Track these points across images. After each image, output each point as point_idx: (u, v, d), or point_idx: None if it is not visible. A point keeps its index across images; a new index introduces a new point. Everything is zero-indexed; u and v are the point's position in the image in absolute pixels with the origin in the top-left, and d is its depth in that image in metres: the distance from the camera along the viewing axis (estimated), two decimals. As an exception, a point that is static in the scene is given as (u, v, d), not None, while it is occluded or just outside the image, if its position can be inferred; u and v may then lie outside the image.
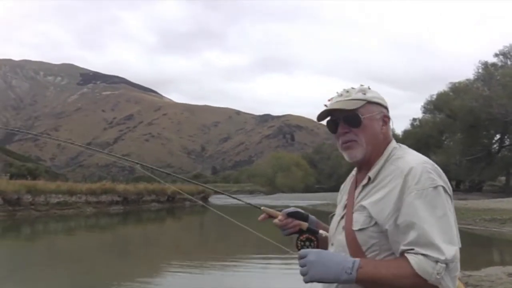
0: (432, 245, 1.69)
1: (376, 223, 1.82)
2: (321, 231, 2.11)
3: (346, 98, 1.98)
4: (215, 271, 13.06)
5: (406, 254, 1.73)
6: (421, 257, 1.69)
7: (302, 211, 2.18)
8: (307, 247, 2.05)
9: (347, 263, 1.76)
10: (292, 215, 2.16)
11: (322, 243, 2.09)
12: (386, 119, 1.99)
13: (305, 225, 2.13)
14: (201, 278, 11.99)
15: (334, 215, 2.10)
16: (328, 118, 2.03)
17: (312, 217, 2.19)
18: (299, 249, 2.04)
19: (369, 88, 2.02)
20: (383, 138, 1.98)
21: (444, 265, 1.67)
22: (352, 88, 2.02)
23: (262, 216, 2.20)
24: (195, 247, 19.74)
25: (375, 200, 1.85)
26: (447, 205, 1.78)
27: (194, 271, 12.89)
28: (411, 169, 1.81)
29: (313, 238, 2.09)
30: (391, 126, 2.02)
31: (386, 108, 2.01)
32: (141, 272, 13.08)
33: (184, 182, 35.74)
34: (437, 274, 1.67)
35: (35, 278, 11.95)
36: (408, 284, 1.71)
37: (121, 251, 18.48)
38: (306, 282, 1.81)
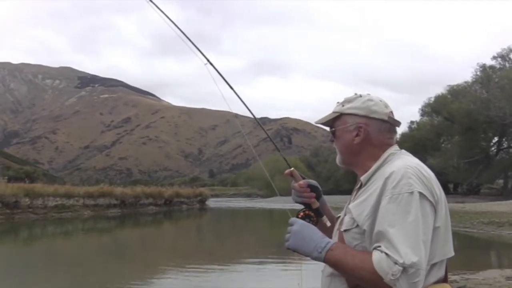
0: (393, 247, 1.72)
1: (357, 225, 1.87)
2: (324, 217, 2.17)
3: (332, 111, 2.12)
4: (212, 273, 13.03)
5: (373, 250, 1.77)
6: (383, 255, 1.72)
7: (320, 189, 2.22)
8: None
9: (322, 242, 1.89)
10: (312, 188, 2.19)
11: (322, 229, 2.12)
12: (360, 129, 2.02)
13: (316, 204, 2.17)
14: (199, 280, 11.97)
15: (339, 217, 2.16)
16: None
17: (324, 198, 2.24)
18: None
19: (360, 96, 2.08)
20: (362, 147, 2.03)
21: (401, 268, 1.69)
22: (344, 98, 2.11)
23: (287, 171, 2.22)
24: (192, 250, 19.73)
25: (358, 202, 1.92)
26: (421, 211, 1.78)
27: (192, 274, 12.86)
28: (392, 173, 1.84)
29: (315, 218, 2.13)
30: (376, 132, 2.04)
31: (366, 117, 2.03)
32: (139, 275, 13.05)
33: (181, 185, 35.78)
34: (392, 275, 1.69)
35: (33, 281, 11.92)
36: (365, 278, 1.77)
37: (119, 254, 18.45)
38: (286, 248, 1.95)
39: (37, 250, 19.18)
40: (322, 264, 2.02)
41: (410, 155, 2.01)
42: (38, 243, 21.61)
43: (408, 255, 1.70)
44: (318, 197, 2.19)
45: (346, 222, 1.93)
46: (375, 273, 1.73)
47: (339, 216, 2.13)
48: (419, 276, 1.71)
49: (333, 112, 2.10)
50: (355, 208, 1.91)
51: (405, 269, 1.69)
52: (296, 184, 2.18)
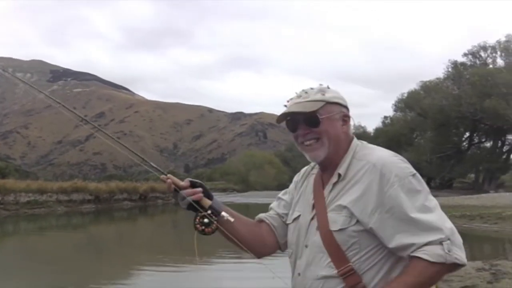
0: (429, 229, 1.74)
1: (357, 222, 1.84)
2: (224, 213, 2.03)
3: (305, 100, 1.99)
4: (189, 271, 12.99)
5: (413, 254, 1.76)
6: (426, 247, 1.73)
7: (208, 188, 2.06)
8: (205, 226, 2.00)
9: None
10: (195, 185, 2.05)
11: (225, 227, 2.04)
12: (346, 118, 2.02)
13: (207, 202, 2.01)
14: (176, 278, 11.96)
15: (295, 216, 2.11)
16: (288, 118, 2.05)
17: (217, 199, 2.09)
18: (196, 226, 2.01)
19: (328, 88, 2.05)
20: (345, 137, 2.02)
21: (448, 241, 1.73)
22: (311, 88, 2.03)
23: (163, 177, 2.06)
24: (168, 246, 19.65)
25: (355, 198, 1.87)
26: (426, 187, 1.87)
27: (168, 271, 12.84)
28: (385, 163, 1.87)
29: (214, 217, 1.99)
30: (352, 125, 2.06)
31: (346, 107, 2.03)
32: (115, 273, 12.99)
33: (157, 180, 35.51)
34: (448, 252, 1.71)
35: (6, 279, 11.77)
36: (433, 274, 1.74)
37: (94, 250, 18.31)
38: None
39: (10, 247, 18.95)
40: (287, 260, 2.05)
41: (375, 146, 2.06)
42: (10, 240, 21.35)
43: (445, 224, 1.76)
44: (209, 197, 2.05)
45: (341, 221, 1.87)
46: (434, 265, 1.72)
47: (314, 215, 2.02)
48: (460, 239, 1.77)
49: (319, 101, 1.96)
50: (355, 205, 1.86)
51: (450, 240, 1.73)
52: (171, 186, 2.01)
